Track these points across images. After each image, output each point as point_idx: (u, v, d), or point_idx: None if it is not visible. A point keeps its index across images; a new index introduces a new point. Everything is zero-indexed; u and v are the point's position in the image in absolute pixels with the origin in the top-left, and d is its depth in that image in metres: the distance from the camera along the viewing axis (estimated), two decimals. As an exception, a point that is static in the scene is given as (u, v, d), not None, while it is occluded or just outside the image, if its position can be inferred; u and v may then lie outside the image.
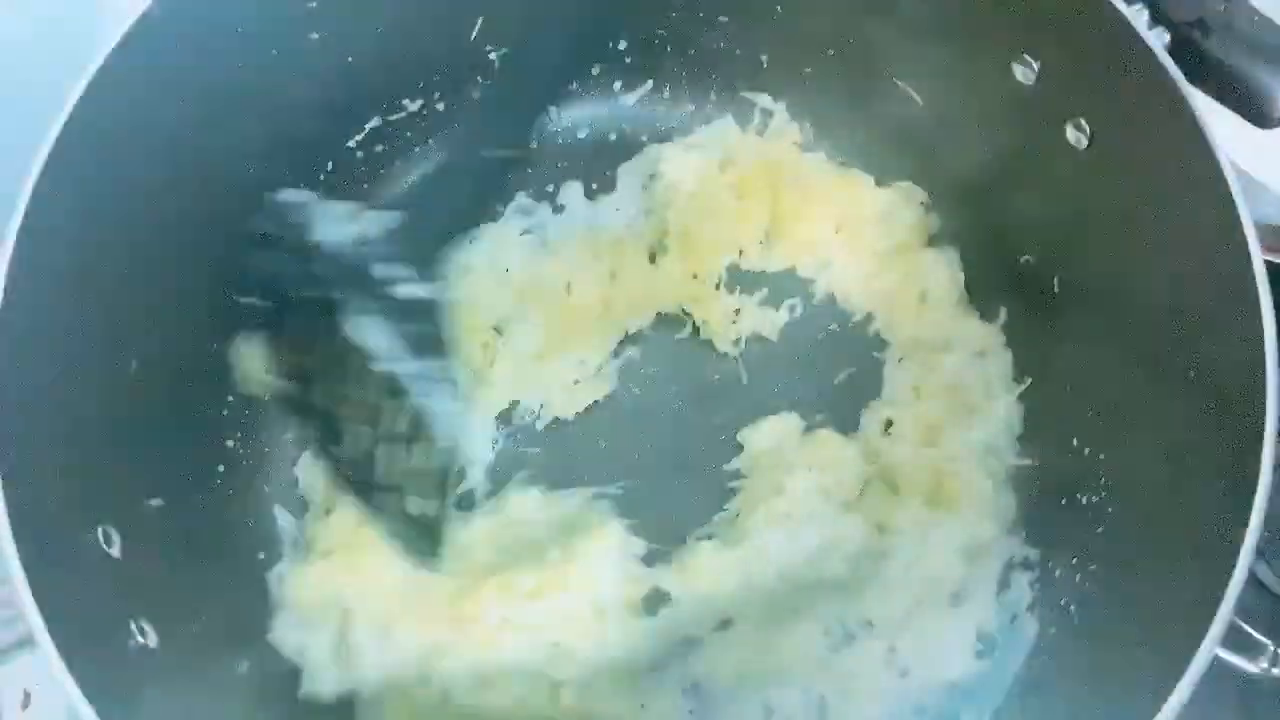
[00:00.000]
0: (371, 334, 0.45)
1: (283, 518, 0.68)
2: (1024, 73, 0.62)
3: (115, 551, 0.52)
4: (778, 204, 0.74)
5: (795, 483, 0.65)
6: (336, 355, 0.47)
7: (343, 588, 0.63)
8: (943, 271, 0.72)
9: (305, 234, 0.47)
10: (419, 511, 0.50)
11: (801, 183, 0.74)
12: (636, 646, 0.62)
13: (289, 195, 0.48)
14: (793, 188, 0.74)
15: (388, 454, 0.49)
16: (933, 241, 0.74)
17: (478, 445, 0.66)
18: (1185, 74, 0.53)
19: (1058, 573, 0.63)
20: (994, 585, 0.64)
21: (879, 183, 0.75)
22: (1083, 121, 0.59)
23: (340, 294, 0.45)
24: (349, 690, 0.63)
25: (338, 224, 0.46)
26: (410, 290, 0.45)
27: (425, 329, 0.46)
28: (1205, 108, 0.53)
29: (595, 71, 0.79)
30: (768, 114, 0.78)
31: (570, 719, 0.61)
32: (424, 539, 0.53)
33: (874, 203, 0.74)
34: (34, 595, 0.44)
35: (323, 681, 0.62)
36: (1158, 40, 0.53)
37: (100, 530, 0.52)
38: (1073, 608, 0.60)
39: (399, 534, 0.53)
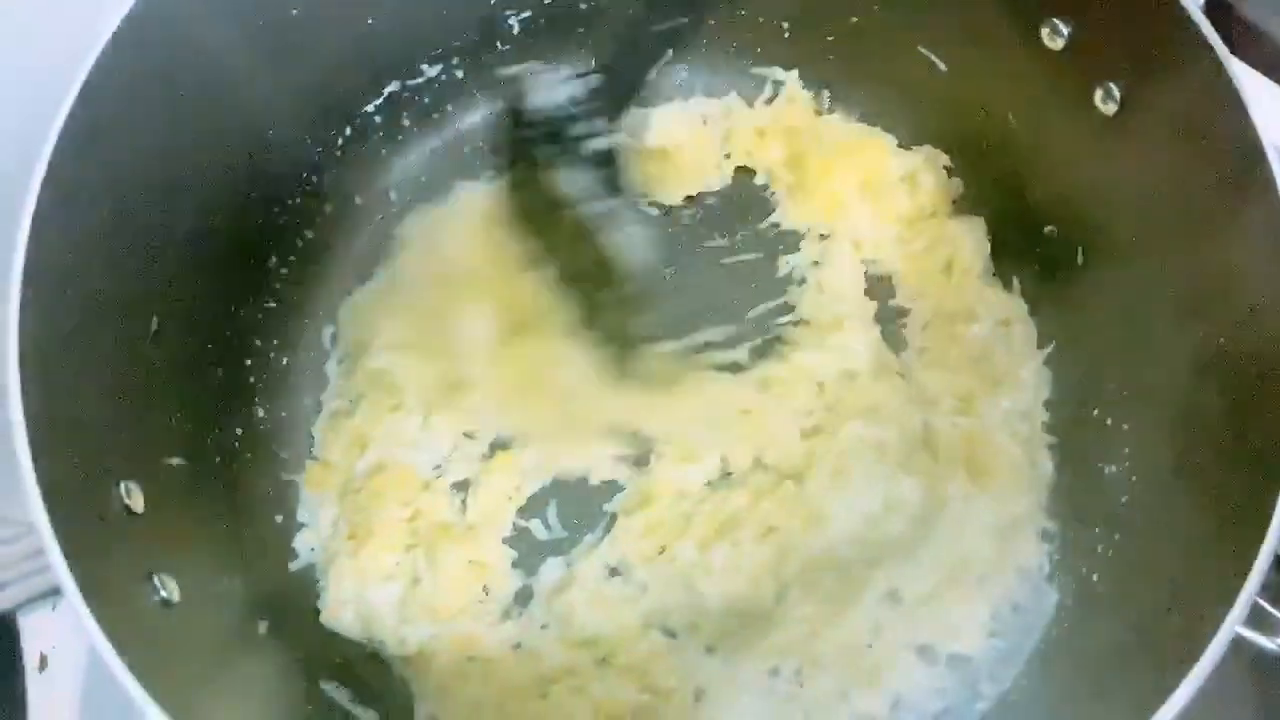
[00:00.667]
0: (571, 182, 0.55)
1: (303, 490, 0.68)
2: (1052, 37, 0.61)
3: (137, 507, 0.53)
4: (801, 164, 0.74)
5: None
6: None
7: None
8: (969, 240, 0.71)
9: (520, 103, 0.57)
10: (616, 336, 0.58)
11: (823, 143, 0.74)
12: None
13: (510, 70, 0.58)
14: (813, 147, 0.73)
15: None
16: (959, 209, 0.73)
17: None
18: (1222, 38, 0.52)
19: (1079, 543, 0.62)
20: (1019, 558, 0.64)
21: (901, 146, 0.75)
22: (1112, 86, 0.58)
23: (544, 152, 0.56)
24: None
25: (549, 90, 0.55)
26: (601, 143, 0.55)
27: (613, 172, 0.55)
28: (1242, 74, 0.52)
29: (617, 39, 0.78)
30: (779, 84, 0.78)
31: (584, 664, 0.62)
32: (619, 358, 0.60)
33: (897, 164, 0.73)
34: (60, 546, 0.44)
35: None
36: (1194, 2, 0.52)
37: (122, 486, 0.52)
38: (1094, 578, 0.60)
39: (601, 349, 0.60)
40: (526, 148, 0.58)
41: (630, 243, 0.57)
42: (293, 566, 0.66)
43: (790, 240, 0.75)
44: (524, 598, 0.65)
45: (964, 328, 0.69)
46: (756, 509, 0.64)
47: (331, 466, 0.68)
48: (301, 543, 0.67)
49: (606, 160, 0.56)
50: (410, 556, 0.64)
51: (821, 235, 0.74)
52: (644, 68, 0.57)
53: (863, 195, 0.73)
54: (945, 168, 0.74)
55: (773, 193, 0.76)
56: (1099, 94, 0.59)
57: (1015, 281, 0.71)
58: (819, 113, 0.77)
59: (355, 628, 0.64)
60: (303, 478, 0.68)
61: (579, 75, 0.56)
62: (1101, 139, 0.60)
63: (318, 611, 0.64)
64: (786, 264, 0.74)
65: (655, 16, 0.56)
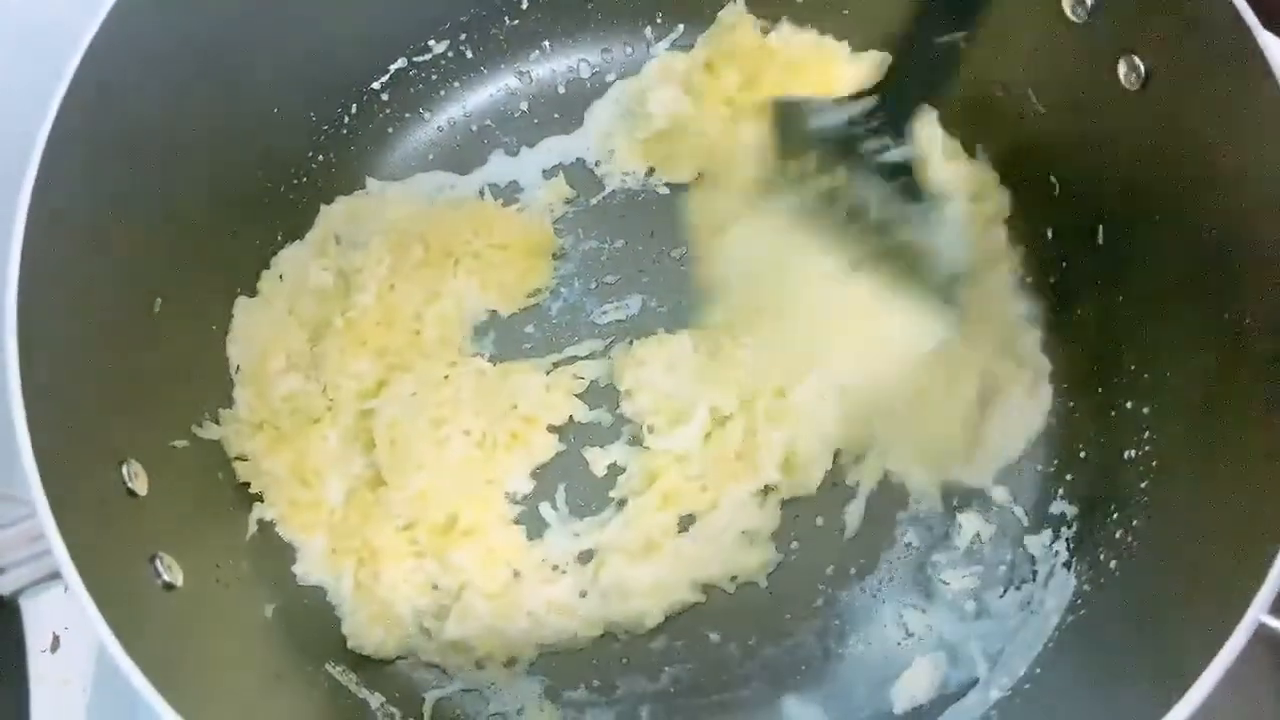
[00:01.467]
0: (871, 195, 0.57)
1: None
2: (1075, 8, 0.59)
3: (141, 489, 0.52)
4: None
5: None
6: None
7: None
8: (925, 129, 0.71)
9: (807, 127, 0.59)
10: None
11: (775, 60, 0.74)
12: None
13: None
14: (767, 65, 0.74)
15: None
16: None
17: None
18: (1252, 8, 0.50)
19: (1098, 528, 0.61)
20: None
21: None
22: (1137, 60, 0.57)
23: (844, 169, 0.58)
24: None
25: (832, 114, 0.58)
26: (891, 155, 0.57)
27: (908, 179, 0.57)
28: (1272, 46, 0.50)
29: (626, 14, 0.77)
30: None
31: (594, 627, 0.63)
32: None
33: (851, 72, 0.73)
34: (60, 528, 0.44)
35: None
36: (1225, -28, 0.51)
37: (125, 468, 0.52)
38: (1113, 564, 0.59)
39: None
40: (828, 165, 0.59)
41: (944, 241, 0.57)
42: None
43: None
44: (554, 567, 0.64)
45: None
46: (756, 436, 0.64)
47: (306, 505, 0.65)
48: (300, 569, 0.64)
49: (899, 171, 0.57)
50: (421, 564, 0.63)
51: None
52: (922, 85, 0.57)
53: None
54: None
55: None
56: (1123, 68, 0.58)
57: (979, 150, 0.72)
58: (766, 31, 0.75)
59: (388, 644, 0.62)
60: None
61: (853, 98, 0.57)
62: (1125, 113, 0.59)
63: (328, 602, 0.64)
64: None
65: (933, 29, 0.55)
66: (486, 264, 0.71)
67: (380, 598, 0.62)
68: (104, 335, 0.54)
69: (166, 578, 0.51)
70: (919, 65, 0.56)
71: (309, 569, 0.64)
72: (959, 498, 0.66)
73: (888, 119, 0.57)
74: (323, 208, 0.73)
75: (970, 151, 0.72)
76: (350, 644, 0.62)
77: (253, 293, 0.68)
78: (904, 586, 0.64)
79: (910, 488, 0.66)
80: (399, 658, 0.63)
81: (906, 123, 0.57)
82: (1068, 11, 0.59)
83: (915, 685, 0.61)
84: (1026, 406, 0.66)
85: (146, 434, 0.56)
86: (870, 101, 0.57)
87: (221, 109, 0.63)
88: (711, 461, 0.65)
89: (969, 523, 0.65)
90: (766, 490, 0.65)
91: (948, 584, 0.64)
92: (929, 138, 0.71)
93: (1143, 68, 0.57)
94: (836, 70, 0.73)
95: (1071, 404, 0.67)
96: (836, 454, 0.66)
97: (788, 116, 0.61)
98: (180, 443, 0.59)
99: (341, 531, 0.64)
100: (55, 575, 0.45)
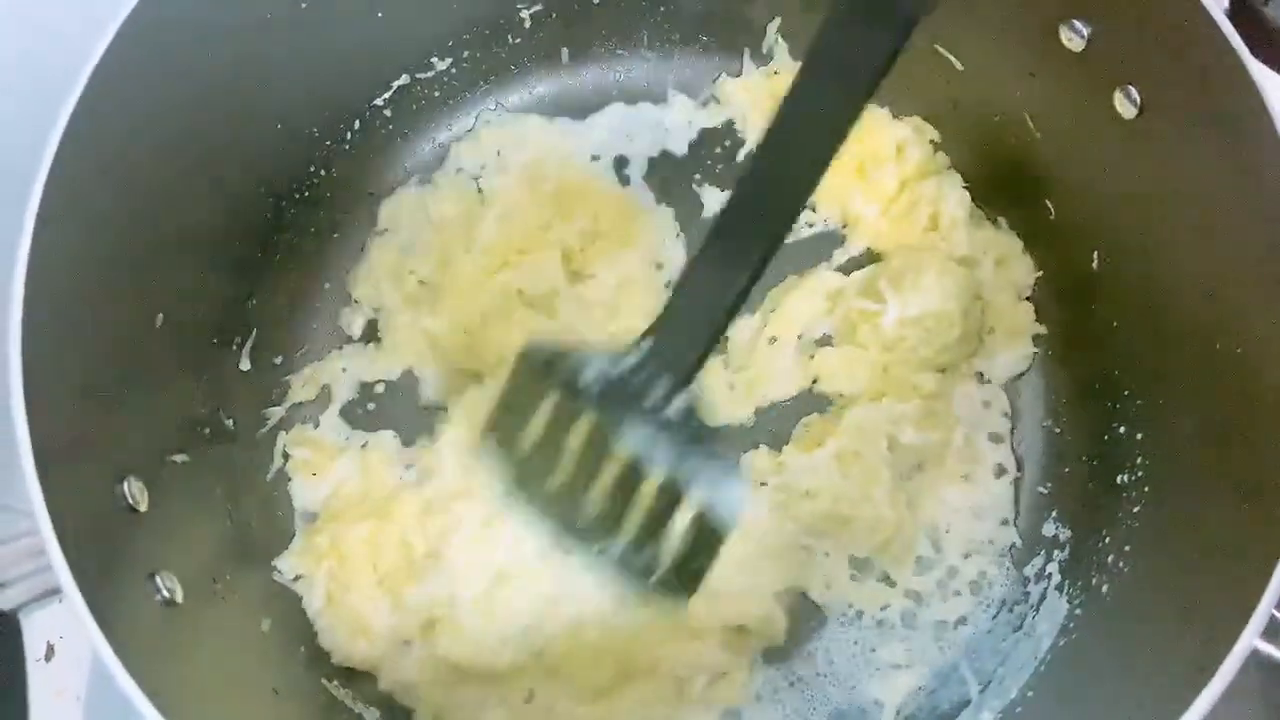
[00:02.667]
0: (647, 448, 0.50)
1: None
2: (1072, 38, 0.60)
3: (141, 505, 0.52)
4: None
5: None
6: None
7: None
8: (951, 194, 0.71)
9: (577, 379, 0.52)
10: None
11: None
12: None
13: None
14: None
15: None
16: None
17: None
18: (1245, 42, 0.51)
19: (1091, 552, 0.62)
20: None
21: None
22: (1132, 89, 0.57)
23: (619, 422, 0.51)
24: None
25: (606, 365, 0.52)
26: (678, 405, 0.51)
27: (695, 428, 0.51)
28: (1265, 79, 0.51)
29: (628, 28, 0.78)
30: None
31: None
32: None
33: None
34: (61, 545, 0.44)
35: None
36: (1218, 5, 0.51)
37: (126, 484, 0.52)
38: (1105, 588, 0.59)
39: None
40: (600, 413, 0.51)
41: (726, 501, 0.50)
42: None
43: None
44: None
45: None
46: None
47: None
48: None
49: (685, 420, 0.50)
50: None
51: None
52: (699, 326, 0.50)
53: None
54: (931, 141, 0.73)
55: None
56: (1118, 97, 0.58)
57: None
58: None
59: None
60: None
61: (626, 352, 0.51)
62: (1120, 142, 0.59)
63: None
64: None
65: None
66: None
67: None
68: (106, 351, 0.54)
69: (166, 594, 0.51)
70: (696, 305, 0.50)
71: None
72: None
73: (665, 363, 0.50)
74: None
75: (994, 219, 0.72)
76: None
77: (261, 303, 0.69)
78: (897, 608, 0.64)
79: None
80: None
81: (686, 364, 0.50)
82: (1064, 41, 0.60)
83: (905, 702, 0.62)
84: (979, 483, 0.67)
85: (147, 450, 0.56)
86: (644, 347, 0.51)
87: (222, 128, 0.63)
88: None
89: (961, 544, 0.65)
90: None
91: (940, 605, 0.64)
92: (957, 202, 0.70)
93: (1138, 97, 0.57)
94: (878, 135, 0.72)
95: (1065, 427, 0.67)
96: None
97: (545, 366, 0.53)
98: (180, 458, 0.60)
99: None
100: (56, 591, 0.45)
